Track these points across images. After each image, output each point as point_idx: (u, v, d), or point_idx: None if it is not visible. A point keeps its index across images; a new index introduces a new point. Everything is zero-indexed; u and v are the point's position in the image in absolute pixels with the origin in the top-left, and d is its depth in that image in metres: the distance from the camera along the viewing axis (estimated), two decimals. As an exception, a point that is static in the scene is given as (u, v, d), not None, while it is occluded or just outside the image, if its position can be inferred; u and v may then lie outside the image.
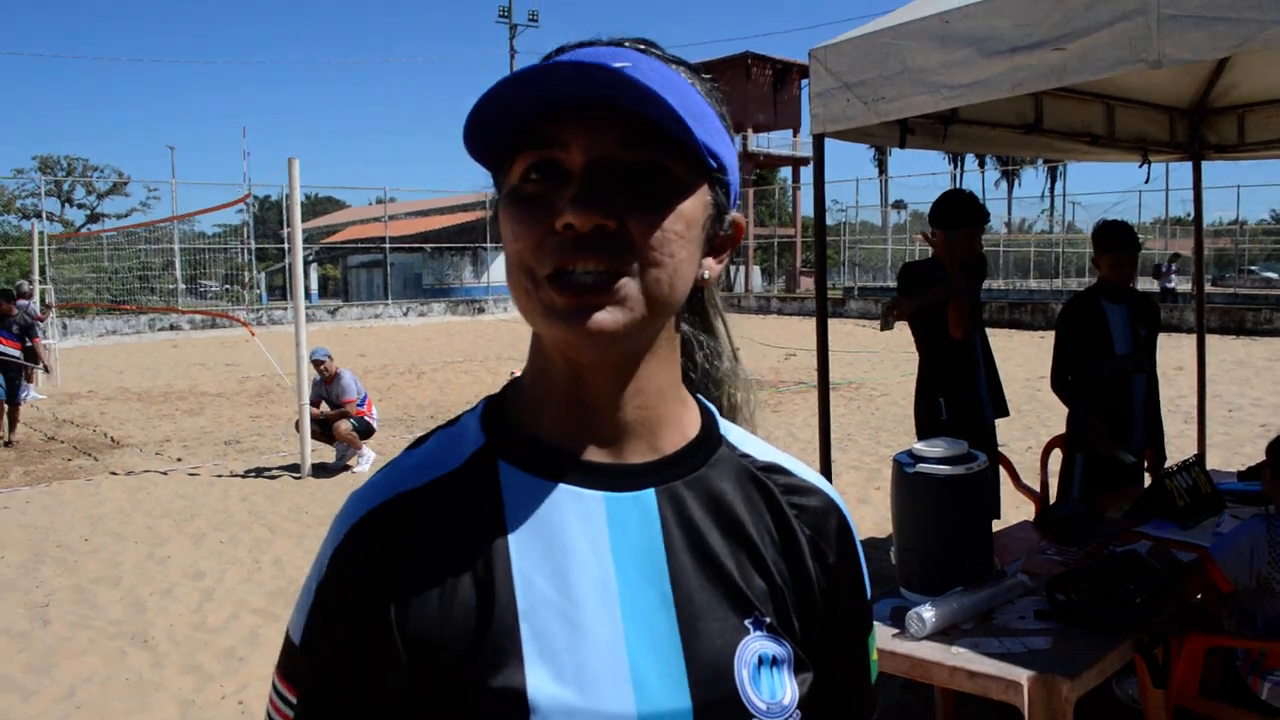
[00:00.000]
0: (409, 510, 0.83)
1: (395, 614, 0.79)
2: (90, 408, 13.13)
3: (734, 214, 0.88)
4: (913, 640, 2.56)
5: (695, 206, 0.79)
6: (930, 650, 2.52)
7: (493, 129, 0.76)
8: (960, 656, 2.48)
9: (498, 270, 37.58)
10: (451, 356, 19.34)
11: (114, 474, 9.12)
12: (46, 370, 11.07)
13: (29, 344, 11.16)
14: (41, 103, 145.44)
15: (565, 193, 0.75)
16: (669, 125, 0.73)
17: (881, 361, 16.47)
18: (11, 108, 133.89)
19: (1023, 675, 2.35)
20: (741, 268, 41.16)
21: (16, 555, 6.52)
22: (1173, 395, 10.55)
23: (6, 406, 10.65)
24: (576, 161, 0.75)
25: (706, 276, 0.86)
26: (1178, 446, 6.05)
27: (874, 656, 0.98)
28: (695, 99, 0.82)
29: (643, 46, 0.83)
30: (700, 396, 0.94)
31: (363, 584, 0.81)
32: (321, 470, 8.98)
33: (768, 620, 0.84)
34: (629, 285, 0.75)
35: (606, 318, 0.75)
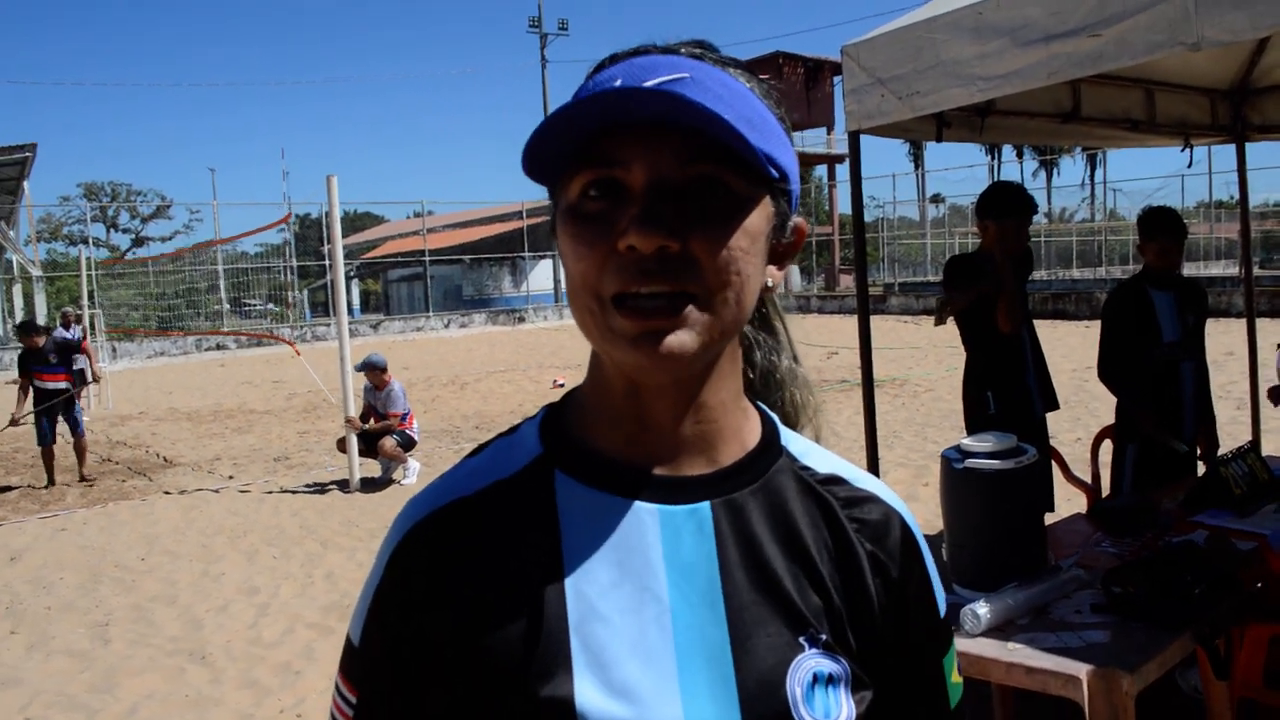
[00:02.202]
0: (465, 516, 0.83)
1: (449, 618, 0.80)
2: (142, 429, 13.34)
3: (796, 220, 0.86)
4: (968, 637, 2.54)
5: (758, 220, 0.78)
6: (986, 647, 2.49)
7: (550, 148, 0.75)
8: (1017, 652, 2.45)
9: (537, 280, 37.74)
10: (494, 366, 19.44)
11: (167, 493, 9.27)
12: (95, 380, 10.31)
13: (75, 367, 10.35)
14: (85, 130, 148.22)
15: (627, 212, 0.74)
16: (730, 142, 0.72)
17: (925, 357, 16.35)
18: (56, 136, 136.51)
19: (1082, 670, 2.32)
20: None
21: (75, 576, 6.64)
22: (1223, 381, 10.37)
23: (50, 448, 10.02)
24: (638, 180, 0.74)
25: (770, 285, 0.85)
26: (1230, 433, 5.95)
27: (954, 678, 0.93)
28: (755, 105, 0.80)
29: (699, 51, 0.81)
30: (761, 405, 0.93)
31: (418, 587, 0.81)
32: (370, 484, 9.07)
33: (823, 637, 0.82)
34: (696, 307, 0.74)
35: (674, 341, 0.74)
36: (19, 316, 28.61)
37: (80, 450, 10.17)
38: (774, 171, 0.78)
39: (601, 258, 0.75)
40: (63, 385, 10.12)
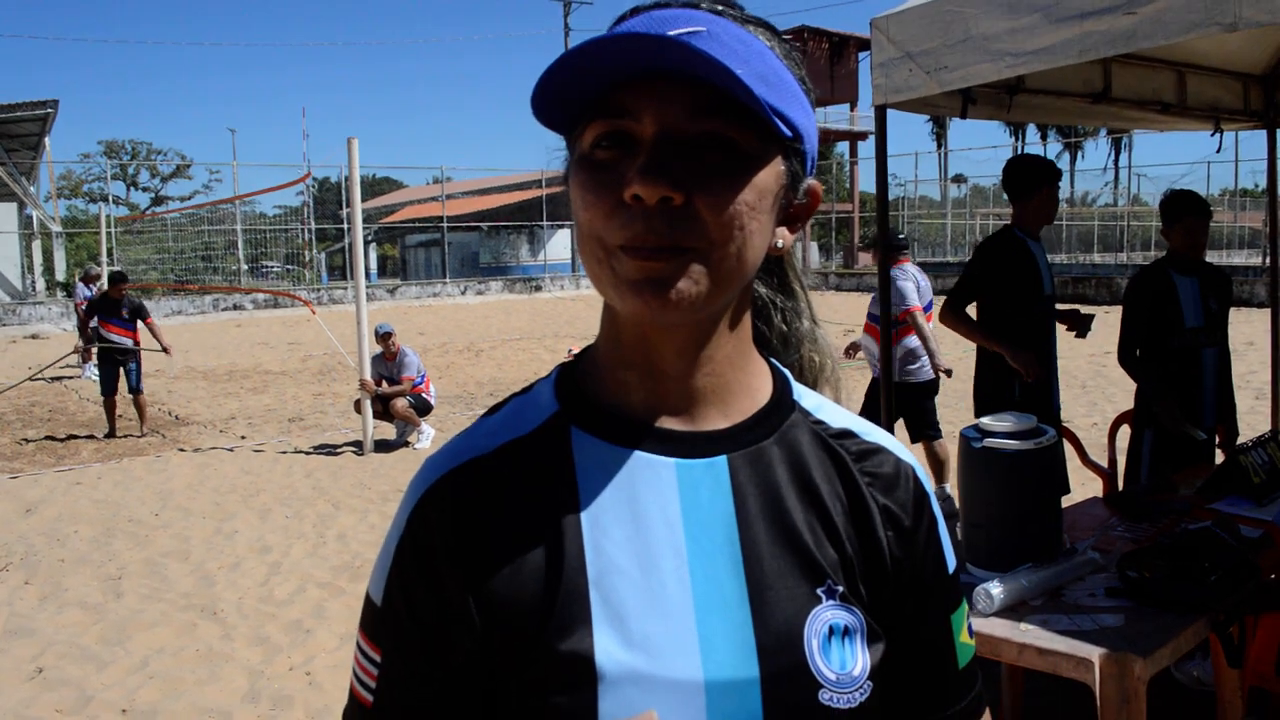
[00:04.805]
0: (483, 474, 0.83)
1: (468, 576, 0.80)
2: (158, 386, 13.40)
3: (810, 182, 0.86)
4: (980, 617, 2.53)
5: (767, 178, 0.78)
6: (998, 627, 2.48)
7: (563, 97, 0.75)
8: (1029, 634, 2.44)
9: (554, 249, 37.70)
10: (509, 334, 19.46)
11: (182, 450, 9.32)
12: (167, 352, 10.63)
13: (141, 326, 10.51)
14: (106, 88, 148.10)
15: (635, 162, 0.74)
16: (739, 95, 0.71)
17: (941, 337, 16.26)
18: (78, 94, 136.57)
19: (1094, 653, 2.31)
20: (799, 244, 40.83)
21: (90, 530, 6.69)
22: (1243, 370, 10.29)
23: (113, 398, 10.18)
24: (647, 131, 0.74)
25: (780, 245, 0.85)
26: (1249, 423, 5.91)
27: (963, 638, 0.93)
28: (772, 63, 0.79)
29: (720, 8, 0.81)
30: (775, 361, 0.93)
31: (438, 545, 0.82)
32: (383, 446, 9.10)
33: (840, 589, 0.83)
34: (697, 259, 0.75)
35: (675, 290, 0.74)
36: (39, 272, 28.80)
37: (140, 407, 10.34)
38: (787, 130, 0.77)
39: (609, 207, 0.75)
40: (128, 342, 10.35)
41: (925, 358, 6.35)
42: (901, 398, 6.24)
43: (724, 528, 0.81)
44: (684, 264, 0.74)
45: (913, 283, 6.48)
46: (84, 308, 11.54)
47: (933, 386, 6.51)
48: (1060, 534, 2.94)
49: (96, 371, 10.59)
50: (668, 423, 0.84)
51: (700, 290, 0.75)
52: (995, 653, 2.48)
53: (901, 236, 6.90)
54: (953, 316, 4.51)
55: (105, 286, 10.89)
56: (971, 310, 4.56)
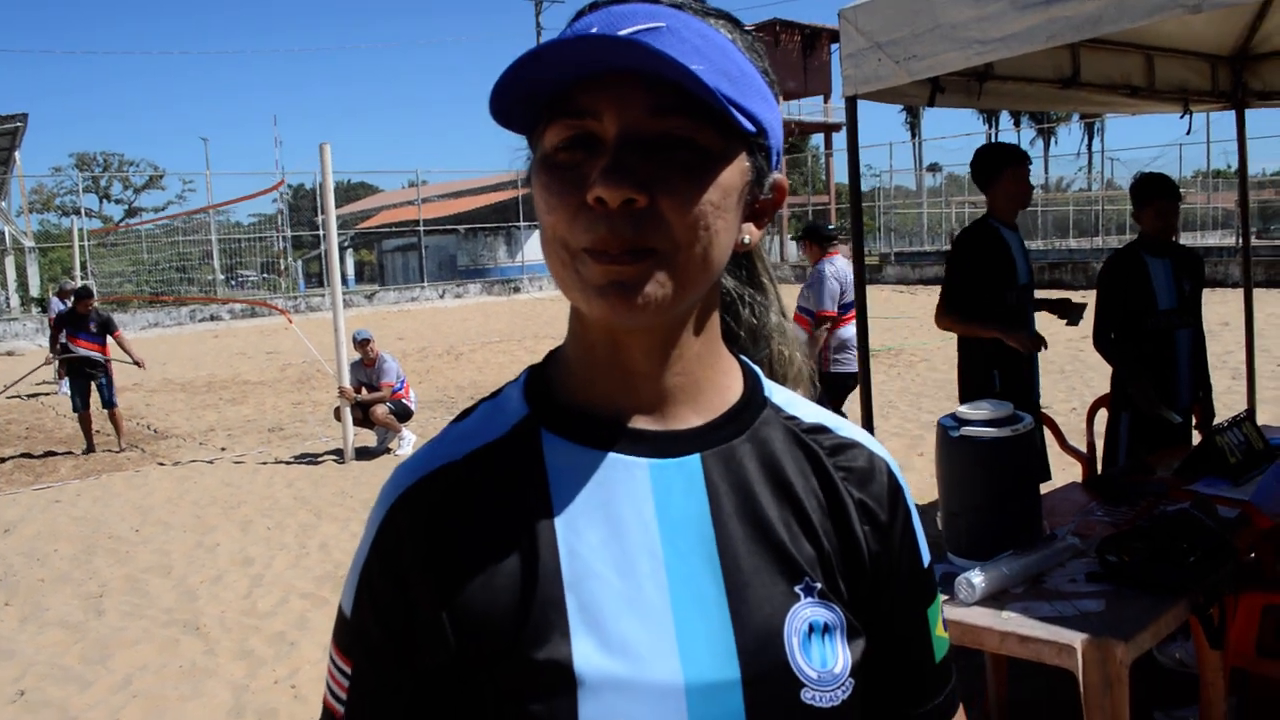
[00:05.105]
0: (453, 481, 0.82)
1: (440, 586, 0.79)
2: (136, 399, 13.30)
3: (775, 176, 0.85)
4: (962, 606, 2.53)
5: (731, 175, 0.77)
6: (980, 616, 2.48)
7: (521, 100, 0.74)
8: (1011, 621, 2.44)
9: (532, 250, 37.58)
10: (489, 337, 19.41)
11: (161, 464, 9.25)
12: (140, 365, 10.66)
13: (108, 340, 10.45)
14: (76, 100, 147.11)
15: (597, 164, 0.73)
16: (698, 93, 0.70)
17: (920, 327, 16.33)
18: (47, 107, 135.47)
19: (1076, 639, 2.31)
20: (775, 238, 40.93)
21: (69, 547, 6.63)
22: (1219, 351, 10.35)
23: (86, 416, 10.11)
24: (609, 131, 0.73)
25: (747, 241, 0.84)
26: (1225, 403, 5.95)
27: (939, 631, 0.92)
28: (735, 57, 0.78)
29: (681, 1, 0.79)
30: (745, 359, 0.92)
31: (408, 555, 0.80)
32: (364, 454, 9.06)
33: (818, 586, 0.82)
34: (663, 261, 0.74)
35: (641, 294, 0.73)
36: (12, 288, 28.55)
37: (116, 421, 10.27)
38: (750, 125, 0.76)
39: (572, 210, 0.74)
40: (95, 355, 10.29)
41: (854, 351, 6.37)
42: (824, 384, 6.29)
43: (699, 528, 0.81)
44: (649, 267, 0.73)
45: (837, 283, 6.51)
46: (54, 321, 11.53)
47: (853, 381, 6.52)
48: (1040, 520, 2.94)
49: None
50: (639, 423, 0.83)
51: (666, 293, 0.74)
52: (978, 642, 2.48)
53: (832, 228, 6.90)
54: (947, 318, 4.43)
55: (74, 298, 10.84)
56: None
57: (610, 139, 0.73)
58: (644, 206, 0.72)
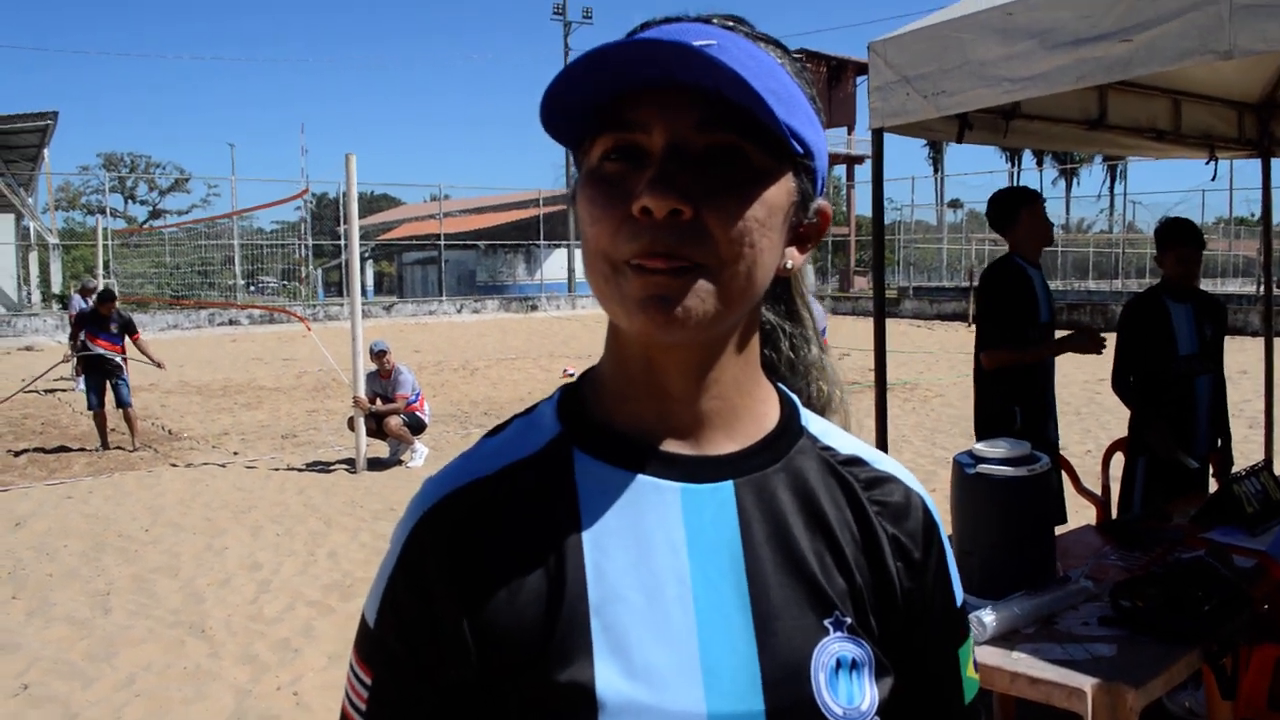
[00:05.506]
0: (482, 497, 0.81)
1: (465, 602, 0.78)
2: (151, 400, 13.37)
3: (820, 202, 0.84)
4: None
5: (778, 194, 0.76)
6: (990, 655, 2.46)
7: (571, 108, 0.74)
8: (1021, 662, 2.42)
9: (551, 268, 37.74)
10: (504, 354, 19.45)
11: (174, 466, 9.29)
12: (160, 366, 10.76)
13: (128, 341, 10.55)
14: (106, 101, 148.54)
15: (644, 176, 0.72)
16: (751, 106, 0.70)
17: (937, 362, 16.30)
18: (78, 106, 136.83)
19: (1087, 683, 2.29)
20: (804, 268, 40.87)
21: (79, 544, 6.65)
22: (1237, 399, 10.30)
23: (102, 414, 10.17)
24: (657, 144, 0.73)
25: (789, 266, 0.83)
26: (1243, 452, 5.90)
27: (969, 673, 0.90)
28: (783, 80, 0.78)
29: (731, 24, 0.80)
30: (783, 387, 0.91)
31: (434, 569, 0.80)
32: (376, 464, 9.07)
33: (848, 621, 0.81)
34: (706, 275, 0.73)
35: (682, 308, 0.73)
36: (35, 283, 28.77)
37: (130, 421, 10.31)
38: (798, 146, 0.76)
39: (617, 222, 0.74)
40: (114, 355, 10.36)
41: None
42: None
43: (729, 555, 0.79)
44: (692, 281, 0.73)
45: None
46: (74, 319, 11.62)
47: None
48: (1053, 562, 2.92)
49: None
50: (672, 446, 0.82)
51: (708, 308, 0.74)
52: (987, 681, 2.46)
53: None
54: (999, 352, 4.29)
55: (96, 299, 10.93)
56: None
57: (657, 151, 0.73)
58: (689, 219, 0.72)
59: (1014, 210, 4.33)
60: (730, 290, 0.75)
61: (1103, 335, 4.37)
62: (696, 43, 0.72)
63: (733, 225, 0.73)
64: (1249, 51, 2.72)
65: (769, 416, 0.87)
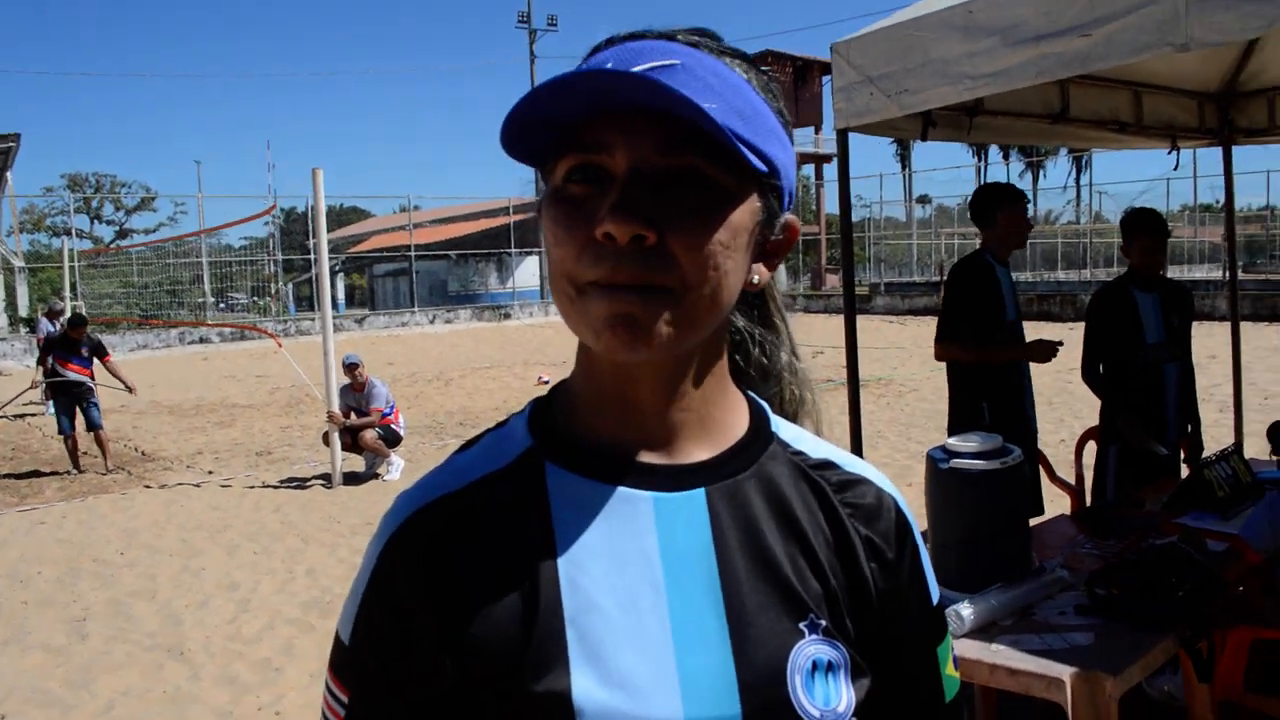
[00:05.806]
0: (455, 511, 0.82)
1: (439, 615, 0.78)
2: (123, 422, 13.24)
3: (787, 217, 0.84)
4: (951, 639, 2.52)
5: (742, 215, 0.76)
6: (969, 648, 2.48)
7: (533, 132, 0.74)
8: (1000, 654, 2.44)
9: (523, 276, 37.65)
10: (478, 363, 19.39)
11: (148, 487, 9.20)
12: (131, 391, 10.71)
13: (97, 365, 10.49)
14: (69, 121, 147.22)
15: (607, 199, 0.72)
16: (710, 130, 0.70)
17: (910, 357, 16.39)
18: (40, 126, 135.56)
19: (1065, 672, 2.31)
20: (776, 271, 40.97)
21: (54, 570, 6.57)
22: (1206, 384, 10.41)
23: (73, 438, 10.13)
24: (620, 166, 0.73)
25: (756, 281, 0.83)
26: (1213, 436, 5.96)
27: (949, 670, 0.91)
28: (749, 97, 0.78)
29: (696, 39, 0.79)
30: (753, 394, 0.92)
31: (407, 585, 0.80)
32: (353, 479, 9.02)
33: (823, 624, 0.81)
34: (670, 298, 0.73)
35: (646, 330, 0.73)
36: (1, 308, 28.43)
37: (102, 444, 10.25)
38: (762, 166, 0.76)
39: (580, 245, 0.74)
40: (84, 380, 10.30)
41: None
42: None
43: (703, 562, 0.80)
44: (656, 303, 0.73)
45: None
46: (43, 343, 11.50)
47: None
48: (1029, 553, 2.94)
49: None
50: (643, 456, 0.82)
51: (673, 330, 0.74)
52: (967, 674, 2.47)
53: None
54: (952, 347, 4.40)
55: (67, 324, 10.81)
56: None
57: (620, 174, 0.73)
58: (653, 244, 0.72)
59: (996, 207, 4.37)
60: (695, 312, 0.75)
61: (1057, 344, 4.41)
62: (657, 63, 0.73)
63: (698, 250, 0.73)
64: (1205, 43, 2.75)
65: (739, 424, 0.87)
